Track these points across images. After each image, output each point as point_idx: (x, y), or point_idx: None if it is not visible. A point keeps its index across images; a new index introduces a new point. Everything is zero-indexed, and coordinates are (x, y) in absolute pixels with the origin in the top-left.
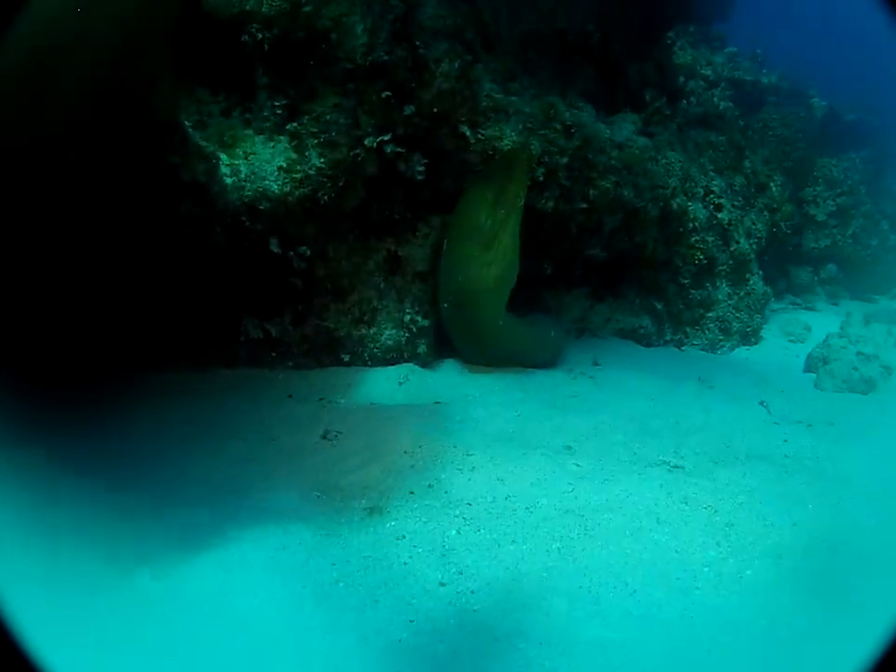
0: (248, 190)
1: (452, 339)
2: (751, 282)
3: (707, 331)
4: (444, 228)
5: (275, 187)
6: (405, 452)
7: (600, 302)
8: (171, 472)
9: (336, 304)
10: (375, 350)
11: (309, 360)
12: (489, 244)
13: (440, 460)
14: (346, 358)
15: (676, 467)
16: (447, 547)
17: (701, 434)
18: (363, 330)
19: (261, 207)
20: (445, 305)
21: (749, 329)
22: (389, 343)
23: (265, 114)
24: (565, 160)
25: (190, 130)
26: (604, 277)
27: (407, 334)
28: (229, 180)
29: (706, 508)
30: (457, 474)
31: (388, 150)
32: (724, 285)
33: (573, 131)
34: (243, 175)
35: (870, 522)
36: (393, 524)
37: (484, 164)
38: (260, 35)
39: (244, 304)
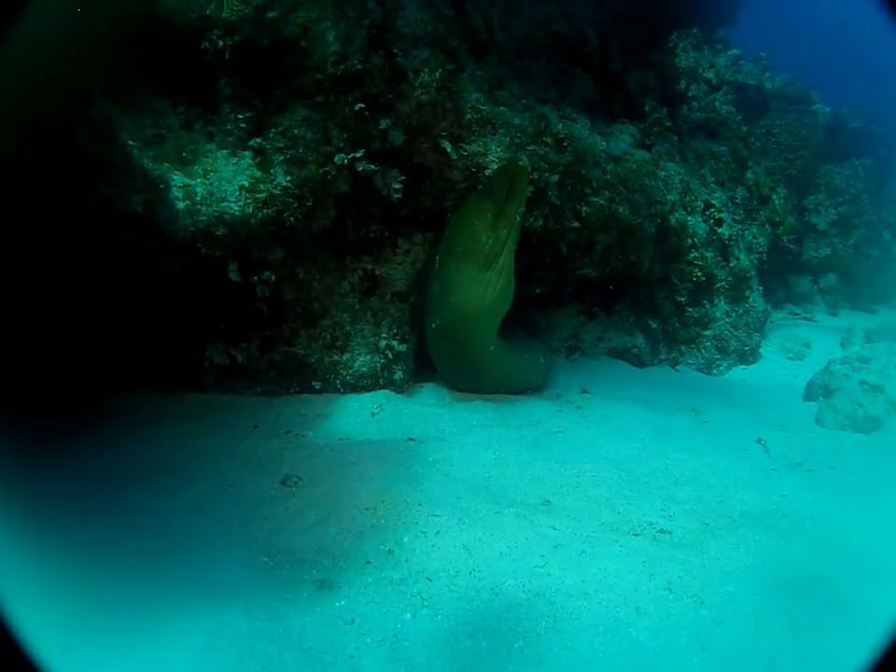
0: (204, 214)
1: (436, 363)
2: (751, 299)
3: (703, 350)
4: (428, 245)
5: (236, 208)
6: (367, 508)
7: (592, 320)
8: (109, 531)
9: (306, 329)
10: (348, 377)
11: (278, 387)
12: (489, 263)
13: (403, 520)
14: (317, 386)
15: (662, 531)
16: (399, 636)
17: (692, 485)
18: (335, 357)
19: (218, 233)
20: (433, 326)
21: (746, 348)
22: (363, 369)
23: (228, 127)
24: (555, 177)
25: (135, 151)
26: (596, 294)
27: (382, 360)
28: (181, 204)
29: (692, 597)
30: (421, 538)
31: (360, 168)
32: (723, 302)
33: (566, 144)
34: (198, 198)
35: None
36: (343, 602)
37: (470, 181)
38: (221, 43)
39: (208, 330)
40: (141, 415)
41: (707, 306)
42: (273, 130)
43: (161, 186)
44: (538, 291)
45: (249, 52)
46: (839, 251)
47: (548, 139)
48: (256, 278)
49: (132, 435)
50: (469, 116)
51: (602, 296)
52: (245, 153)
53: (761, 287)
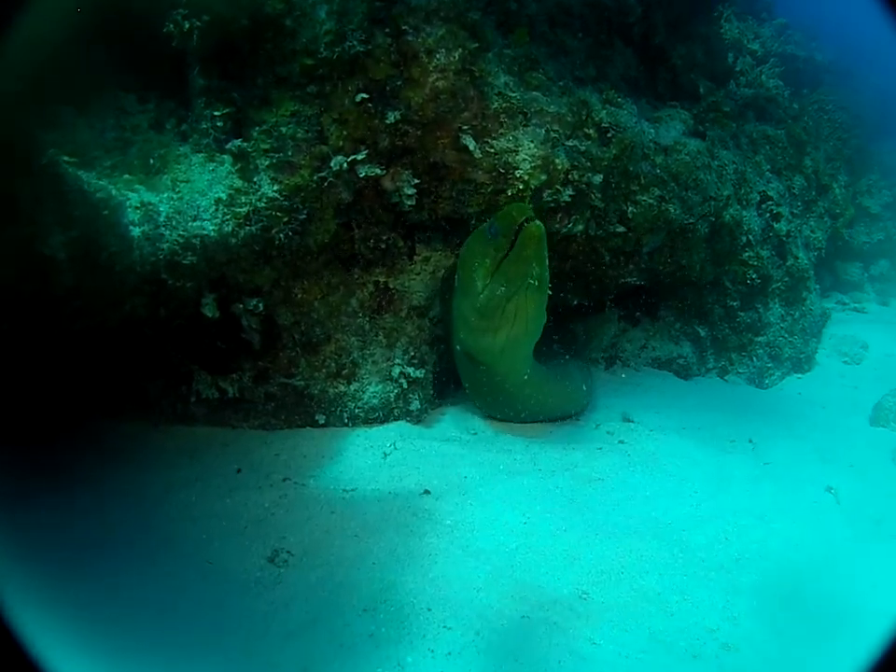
0: (167, 240)
1: (465, 387)
2: (808, 301)
3: (755, 358)
4: (451, 250)
5: (211, 227)
6: (365, 609)
7: (634, 326)
8: (66, 604)
9: (307, 357)
10: (357, 410)
11: (277, 420)
12: (486, 314)
13: (408, 630)
14: (322, 420)
15: (727, 647)
16: None
17: (759, 565)
18: (341, 387)
19: (185, 262)
20: (458, 349)
21: (802, 356)
22: (374, 401)
23: (203, 126)
24: (599, 177)
25: (72, 170)
26: (639, 298)
27: (396, 390)
28: (136, 231)
29: None
30: (428, 659)
31: (363, 173)
32: (777, 305)
33: (610, 135)
34: (161, 219)
35: None
36: None
37: (498, 184)
38: (188, 25)
39: (193, 359)
40: (124, 455)
41: (761, 310)
42: (256, 128)
43: (106, 212)
44: (576, 303)
45: (223, 35)
46: (893, 236)
47: (590, 130)
48: (241, 307)
49: (113, 483)
50: (495, 105)
51: (645, 300)
52: (224, 157)
53: (818, 287)
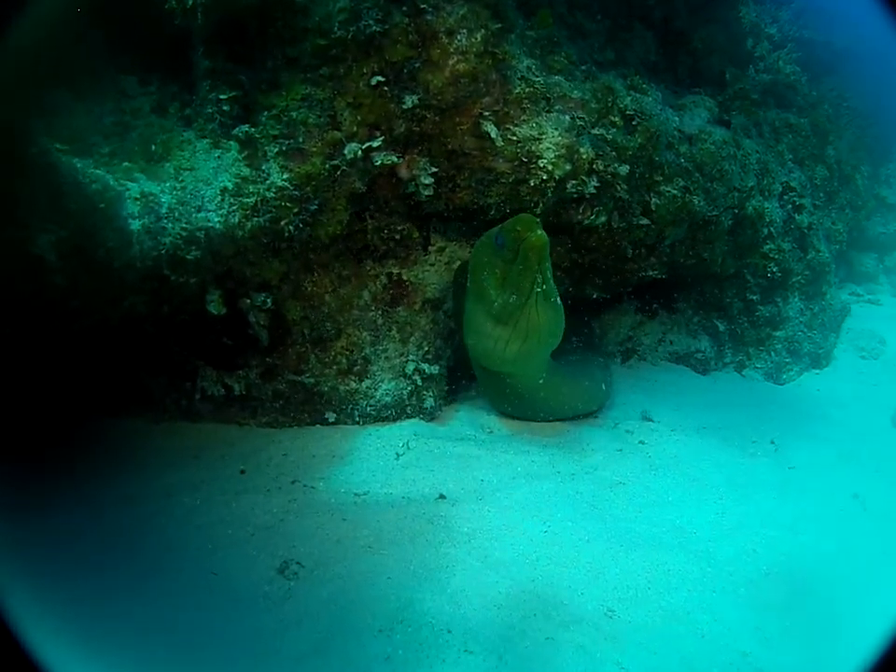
0: (170, 234)
1: (480, 386)
2: (828, 296)
3: (772, 353)
4: (467, 240)
5: (216, 219)
6: (380, 630)
7: (651, 319)
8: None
9: (317, 353)
10: (368, 409)
11: (286, 418)
12: (501, 320)
13: (426, 653)
14: (332, 418)
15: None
16: None
17: (789, 580)
18: (352, 384)
19: (189, 256)
20: (470, 353)
21: (821, 351)
22: (387, 399)
23: (209, 111)
24: (625, 168)
25: (77, 162)
26: (657, 291)
27: (410, 387)
28: (136, 224)
29: None
30: None
31: (378, 161)
32: (797, 299)
33: (635, 123)
34: (164, 210)
35: None
36: None
37: (519, 173)
38: (191, 1)
39: (198, 355)
40: (125, 456)
41: (781, 304)
42: (264, 113)
43: (102, 205)
44: (594, 296)
45: (229, 12)
46: None
47: (615, 118)
48: (248, 302)
49: (112, 488)
50: (518, 89)
51: (663, 292)
52: (231, 143)
53: (837, 280)
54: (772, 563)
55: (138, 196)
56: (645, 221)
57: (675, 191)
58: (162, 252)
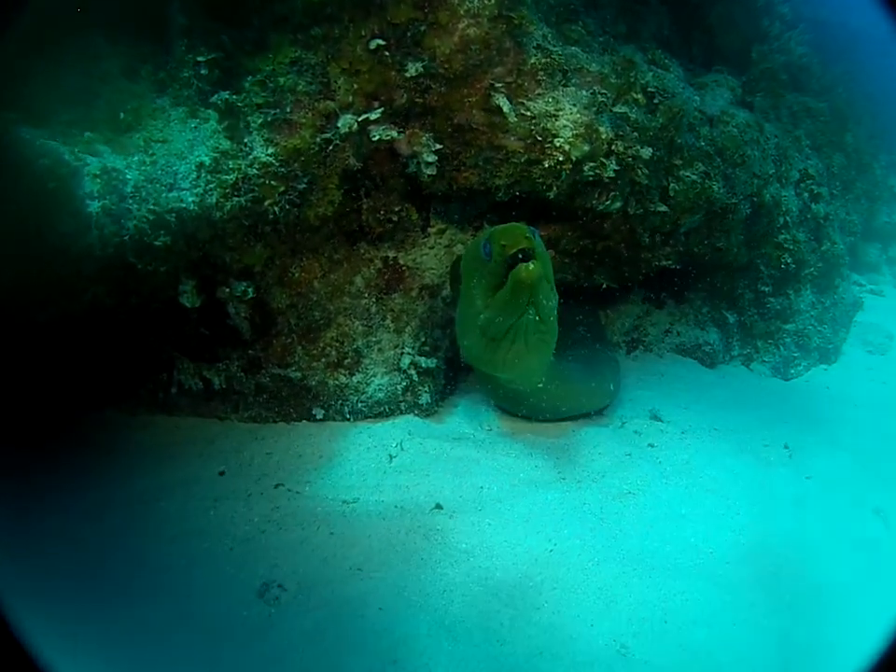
0: (135, 216)
1: (479, 384)
2: (840, 289)
3: (781, 347)
4: (469, 222)
5: (191, 198)
6: None
7: (659, 309)
8: None
9: (304, 345)
10: (360, 405)
11: (270, 413)
12: (490, 336)
13: None
14: (320, 415)
15: None
16: None
17: (815, 618)
18: (343, 379)
19: (157, 243)
20: (464, 343)
21: (830, 346)
22: (379, 395)
23: (185, 75)
24: (647, 151)
25: (25, 133)
26: (665, 279)
27: (405, 381)
28: (95, 205)
29: None
30: None
31: (376, 136)
32: (809, 292)
33: (656, 101)
34: (128, 189)
35: None
36: None
37: (532, 153)
38: None
39: (173, 348)
40: (95, 456)
41: (792, 296)
42: (248, 78)
43: (53, 184)
44: (604, 287)
45: None
46: None
47: (637, 95)
48: (228, 291)
49: (79, 494)
50: (533, 59)
51: (672, 281)
52: (210, 113)
53: (851, 273)
54: (795, 591)
55: (98, 172)
56: (663, 208)
57: (694, 177)
58: (126, 238)
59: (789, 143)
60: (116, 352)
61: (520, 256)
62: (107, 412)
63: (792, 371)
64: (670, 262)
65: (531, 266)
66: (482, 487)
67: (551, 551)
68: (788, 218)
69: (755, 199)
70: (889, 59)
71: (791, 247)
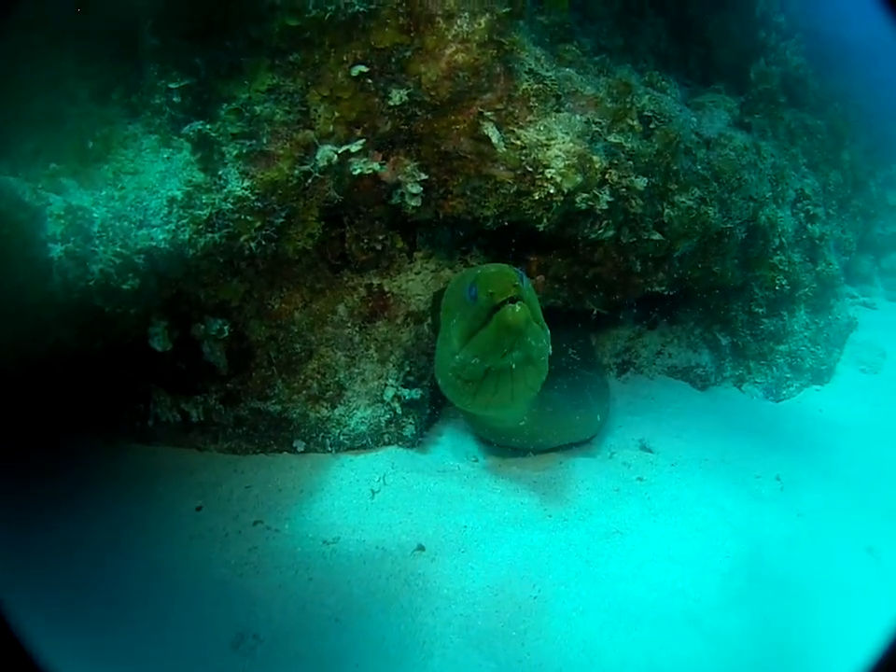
0: (101, 259)
1: (461, 414)
2: (835, 309)
3: (774, 368)
4: (456, 246)
5: (162, 236)
6: None
7: (651, 330)
8: None
9: (285, 378)
10: (342, 437)
11: (250, 444)
12: (464, 378)
13: None
14: (301, 447)
15: None
16: None
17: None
18: (324, 412)
19: (125, 286)
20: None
21: (823, 367)
22: (362, 427)
23: (157, 101)
24: (643, 181)
25: None
26: (657, 300)
27: (388, 414)
28: (57, 249)
29: None
30: None
31: (357, 170)
32: (803, 312)
33: (653, 126)
34: (96, 229)
35: None
36: None
37: (522, 184)
38: None
39: (149, 379)
40: (72, 482)
41: (786, 317)
42: (223, 107)
43: (6, 230)
44: (595, 313)
45: None
46: None
47: (633, 121)
48: (203, 328)
49: (53, 523)
50: (525, 85)
51: (664, 302)
52: (183, 143)
53: (847, 290)
54: (784, 642)
55: (62, 213)
56: (657, 236)
57: (690, 202)
58: (91, 283)
59: (785, 161)
60: (89, 383)
61: (508, 302)
62: (85, 439)
63: (784, 393)
64: (663, 288)
65: (517, 308)
66: (465, 526)
67: (534, 598)
68: (783, 239)
69: (751, 222)
70: (882, 71)
71: (786, 269)
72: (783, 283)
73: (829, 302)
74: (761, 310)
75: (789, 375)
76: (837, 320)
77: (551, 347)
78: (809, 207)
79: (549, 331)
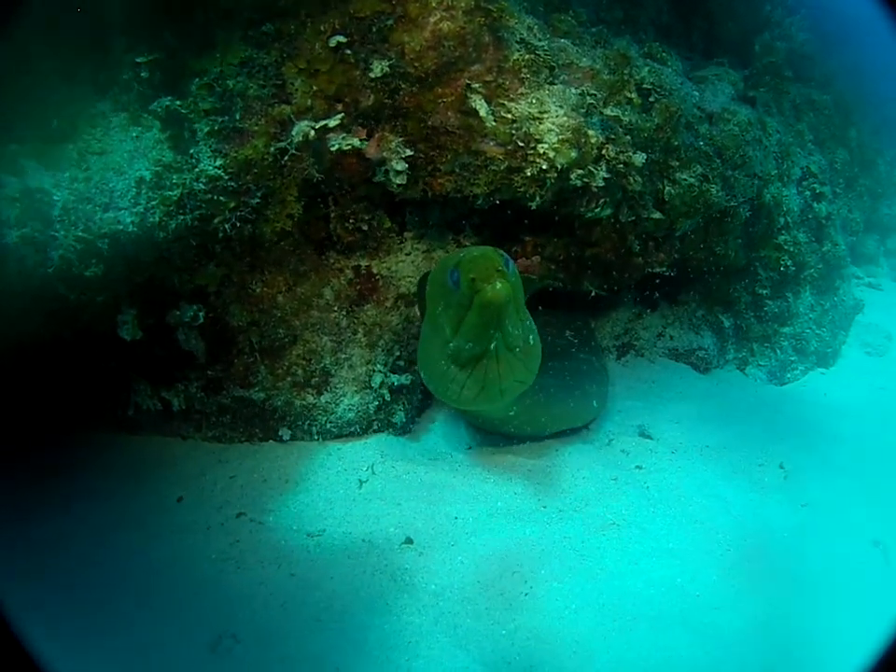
0: (62, 244)
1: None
2: (841, 291)
3: (778, 350)
4: (447, 225)
5: (129, 219)
6: None
7: (651, 311)
8: None
9: (268, 364)
10: (328, 425)
11: (235, 433)
12: (460, 364)
13: None
14: (286, 436)
15: None
16: None
17: None
18: (310, 399)
19: (88, 273)
20: (424, 376)
21: (829, 350)
22: (349, 415)
23: (125, 77)
24: (641, 157)
25: None
26: (658, 281)
27: (377, 401)
28: (13, 235)
29: None
30: None
31: (335, 146)
32: (808, 294)
33: (652, 99)
34: (57, 212)
35: None
36: None
37: (513, 160)
38: None
39: (128, 367)
40: (57, 474)
41: (791, 299)
42: (195, 81)
43: None
44: (592, 294)
45: None
46: None
47: (631, 93)
48: (177, 314)
49: (32, 522)
50: (516, 56)
51: (665, 283)
52: (152, 121)
53: (852, 270)
54: (788, 643)
55: (17, 196)
56: (657, 215)
57: (691, 179)
58: (50, 270)
59: (791, 138)
60: (65, 372)
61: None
62: (69, 430)
63: (789, 376)
64: (664, 269)
65: (498, 285)
66: (456, 518)
67: (526, 594)
68: (788, 219)
69: (755, 200)
70: (890, 49)
71: (792, 249)
72: (788, 263)
73: (834, 284)
74: (765, 291)
75: (793, 358)
76: (843, 302)
77: (545, 332)
78: (816, 186)
79: (533, 323)
